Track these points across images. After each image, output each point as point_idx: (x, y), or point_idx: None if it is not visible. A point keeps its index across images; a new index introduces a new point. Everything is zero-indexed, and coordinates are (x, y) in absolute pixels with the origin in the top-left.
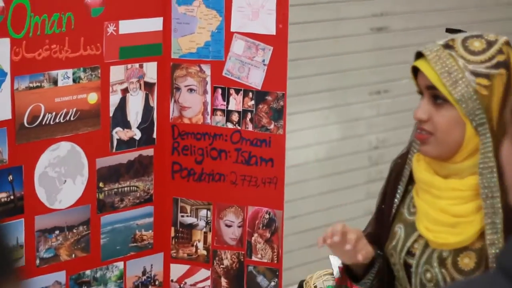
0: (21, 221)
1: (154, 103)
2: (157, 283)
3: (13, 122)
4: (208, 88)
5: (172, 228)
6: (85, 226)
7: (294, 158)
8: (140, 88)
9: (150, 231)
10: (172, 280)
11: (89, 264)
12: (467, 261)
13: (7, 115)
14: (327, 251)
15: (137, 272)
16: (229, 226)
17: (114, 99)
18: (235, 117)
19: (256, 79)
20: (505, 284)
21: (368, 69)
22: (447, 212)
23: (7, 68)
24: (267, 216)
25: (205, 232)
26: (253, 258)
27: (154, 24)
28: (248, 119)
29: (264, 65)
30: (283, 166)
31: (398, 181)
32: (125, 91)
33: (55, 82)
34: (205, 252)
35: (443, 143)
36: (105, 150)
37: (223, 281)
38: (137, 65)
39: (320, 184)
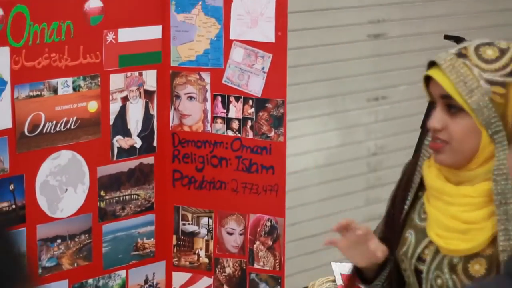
0: (23, 230)
1: (154, 111)
2: None
3: (13, 131)
4: (208, 95)
5: (174, 236)
6: (87, 235)
7: (293, 165)
8: (140, 96)
9: (152, 239)
10: None
11: (91, 272)
12: (478, 268)
13: (8, 124)
14: (328, 258)
15: (139, 281)
16: (231, 234)
17: (114, 107)
18: (235, 124)
19: (256, 86)
20: None
21: (366, 76)
22: (458, 219)
23: (7, 77)
24: (268, 223)
25: (206, 240)
26: (255, 266)
27: (153, 32)
28: (248, 126)
29: (264, 72)
30: (284, 173)
31: (409, 187)
32: (125, 99)
33: (55, 91)
34: (207, 260)
35: (459, 152)
36: (106, 159)
37: None
38: (136, 73)
39: (320, 191)
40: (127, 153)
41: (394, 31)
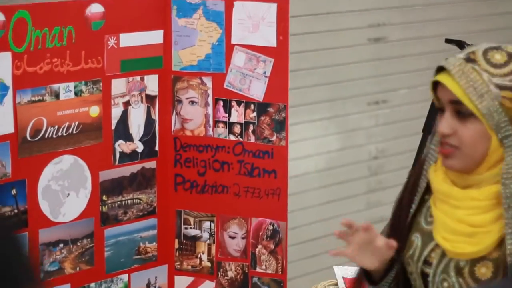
0: (25, 235)
1: (156, 115)
2: None
3: (15, 136)
4: (210, 100)
5: (176, 240)
6: (89, 239)
7: (294, 169)
8: (142, 101)
9: (154, 243)
10: None
11: (93, 277)
12: (484, 271)
13: (10, 129)
14: (330, 261)
15: (141, 285)
16: (233, 238)
17: (116, 112)
18: (237, 129)
19: (257, 91)
20: None
21: (366, 80)
22: (464, 222)
23: (9, 82)
24: (271, 227)
25: (209, 244)
26: (258, 270)
27: (154, 37)
28: (250, 131)
29: (266, 77)
30: (286, 177)
31: (415, 190)
32: (126, 104)
33: (57, 96)
34: (209, 264)
35: (469, 157)
36: (108, 163)
37: None
38: (138, 78)
39: (320, 195)
40: (129, 157)
41: (394, 35)
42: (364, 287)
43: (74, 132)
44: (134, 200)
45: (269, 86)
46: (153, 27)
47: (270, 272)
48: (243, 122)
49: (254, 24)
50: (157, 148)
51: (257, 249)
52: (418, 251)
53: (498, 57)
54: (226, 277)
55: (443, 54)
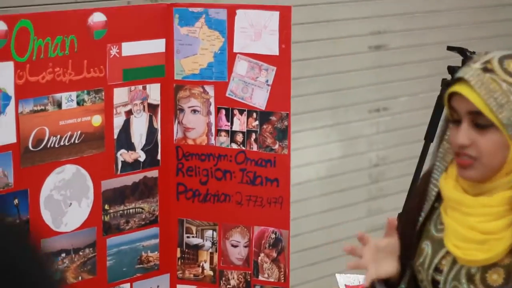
0: None
1: (158, 124)
2: None
3: (18, 145)
4: (212, 109)
5: (178, 249)
6: (91, 249)
7: (296, 177)
8: (144, 110)
9: (156, 252)
10: None
11: (95, 286)
12: (496, 277)
13: (12, 139)
14: (331, 269)
15: None
16: (235, 246)
17: (118, 121)
18: (239, 137)
19: (260, 99)
20: None
21: (367, 87)
22: (476, 229)
23: (11, 91)
24: (273, 235)
25: (211, 253)
26: (260, 278)
27: (156, 45)
28: (252, 139)
29: (268, 85)
30: (289, 185)
31: (423, 199)
32: (129, 113)
33: (59, 105)
34: (211, 273)
35: (487, 167)
36: (110, 172)
37: None
38: (140, 87)
39: (322, 202)
40: (131, 166)
41: (395, 42)
42: None
43: (76, 141)
44: (136, 209)
45: (271, 95)
46: (155, 36)
47: (272, 280)
48: (245, 130)
49: (257, 33)
50: (159, 157)
51: (259, 258)
52: (429, 258)
53: None
54: (228, 286)
55: (444, 61)
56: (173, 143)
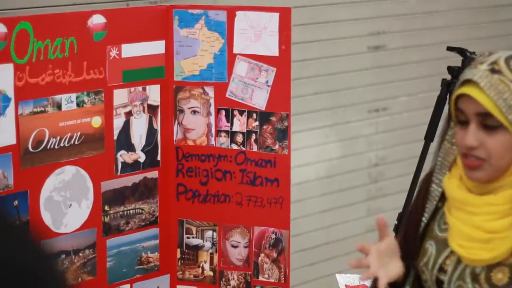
0: None
1: (157, 125)
2: None
3: (17, 147)
4: (212, 109)
5: (178, 250)
6: (91, 250)
7: (295, 177)
8: (144, 111)
9: (156, 253)
10: None
11: (96, 287)
12: (501, 276)
13: (12, 140)
14: (330, 269)
15: None
16: (235, 247)
17: (118, 123)
18: (239, 138)
19: (260, 100)
20: None
21: (366, 87)
22: (480, 228)
23: (11, 93)
24: (273, 236)
25: (211, 253)
26: (260, 278)
27: (156, 47)
28: (252, 140)
29: (268, 86)
30: (289, 186)
31: (426, 199)
32: (128, 114)
33: (59, 107)
34: (211, 273)
35: (496, 167)
36: (110, 173)
37: None
38: (140, 88)
39: (321, 202)
40: (131, 167)
41: (394, 42)
42: None
43: (76, 143)
44: (136, 210)
45: (271, 95)
46: (155, 38)
47: (272, 280)
48: (245, 131)
49: (256, 34)
50: (159, 158)
51: (259, 258)
52: (433, 258)
53: None
54: (228, 286)
55: (443, 61)
56: (173, 144)
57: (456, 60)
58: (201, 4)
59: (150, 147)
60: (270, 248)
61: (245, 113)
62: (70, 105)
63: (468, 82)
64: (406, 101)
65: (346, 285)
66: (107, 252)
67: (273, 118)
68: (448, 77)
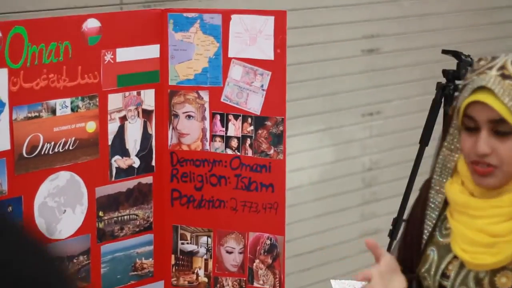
0: None
1: (152, 130)
2: None
3: (12, 152)
4: (207, 114)
5: (172, 256)
6: (85, 256)
7: (288, 181)
8: (138, 116)
9: (150, 259)
10: None
11: None
12: (505, 281)
13: (6, 146)
14: (325, 274)
15: None
16: (230, 253)
17: (112, 127)
18: (234, 143)
19: (255, 104)
20: None
21: (360, 91)
22: (485, 232)
23: (5, 98)
24: (268, 241)
25: (205, 259)
26: (255, 284)
27: (151, 51)
28: (247, 144)
29: (263, 90)
30: (284, 191)
31: (426, 205)
32: (123, 119)
33: (53, 112)
34: (206, 279)
35: (507, 173)
36: (104, 179)
37: None
38: (134, 92)
39: (315, 207)
40: (126, 173)
41: (388, 46)
42: None
43: (70, 148)
44: (131, 215)
45: (266, 99)
46: (149, 42)
47: (267, 287)
48: (240, 136)
49: (252, 37)
50: (153, 163)
51: (254, 264)
52: (435, 264)
53: None
54: None
55: (437, 64)
56: (167, 149)
57: (450, 63)
58: (196, 8)
59: (144, 152)
60: (265, 254)
61: (240, 118)
62: (64, 110)
63: (479, 89)
64: (400, 104)
65: None
66: (101, 258)
67: (268, 123)
68: (443, 80)
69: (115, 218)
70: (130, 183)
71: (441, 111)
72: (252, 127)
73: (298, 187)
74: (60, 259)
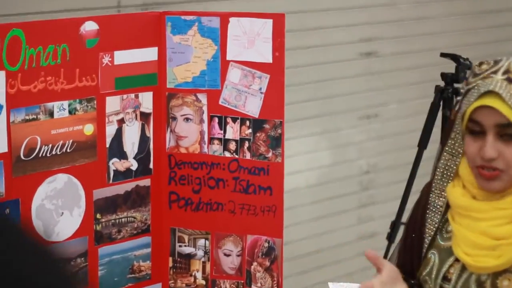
0: None
1: (150, 133)
2: None
3: (9, 155)
4: (205, 117)
5: (170, 258)
6: (82, 258)
7: (286, 184)
8: (136, 119)
9: (148, 261)
10: None
11: None
12: (507, 283)
13: (3, 148)
14: (322, 277)
15: None
16: (228, 255)
17: (110, 130)
18: (232, 145)
19: (253, 107)
20: None
21: (357, 94)
22: (487, 235)
23: (2, 101)
24: (266, 244)
25: (203, 262)
26: (253, 287)
27: (149, 54)
28: (245, 147)
29: (261, 93)
30: (282, 194)
31: (426, 209)
32: (121, 121)
33: (51, 114)
34: (203, 282)
35: None
36: (102, 181)
37: None
38: (132, 95)
39: (312, 210)
40: (123, 175)
41: (386, 49)
42: None
43: (68, 150)
44: (128, 218)
45: (264, 102)
46: (147, 44)
47: None
48: (238, 138)
49: (250, 40)
50: (151, 165)
51: (252, 267)
52: (436, 268)
53: None
54: None
55: (435, 67)
56: (165, 152)
57: (448, 66)
58: (194, 11)
59: (142, 155)
60: (263, 256)
61: (238, 121)
62: (62, 112)
63: (486, 93)
64: (398, 107)
65: None
66: (98, 261)
67: (267, 126)
68: (441, 83)
69: (112, 221)
70: (128, 186)
71: (439, 114)
72: (250, 130)
73: (296, 189)
74: (60, 259)
